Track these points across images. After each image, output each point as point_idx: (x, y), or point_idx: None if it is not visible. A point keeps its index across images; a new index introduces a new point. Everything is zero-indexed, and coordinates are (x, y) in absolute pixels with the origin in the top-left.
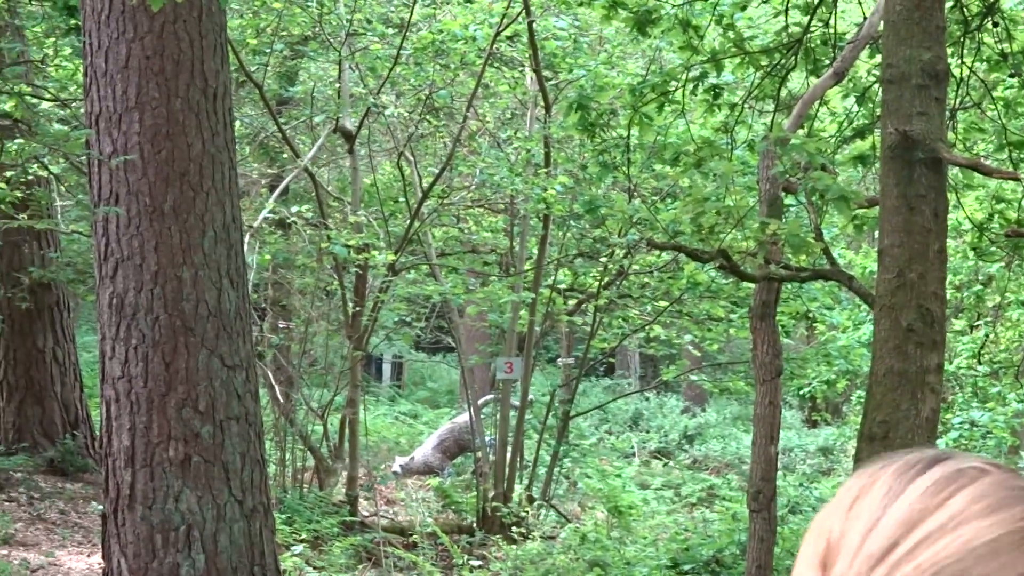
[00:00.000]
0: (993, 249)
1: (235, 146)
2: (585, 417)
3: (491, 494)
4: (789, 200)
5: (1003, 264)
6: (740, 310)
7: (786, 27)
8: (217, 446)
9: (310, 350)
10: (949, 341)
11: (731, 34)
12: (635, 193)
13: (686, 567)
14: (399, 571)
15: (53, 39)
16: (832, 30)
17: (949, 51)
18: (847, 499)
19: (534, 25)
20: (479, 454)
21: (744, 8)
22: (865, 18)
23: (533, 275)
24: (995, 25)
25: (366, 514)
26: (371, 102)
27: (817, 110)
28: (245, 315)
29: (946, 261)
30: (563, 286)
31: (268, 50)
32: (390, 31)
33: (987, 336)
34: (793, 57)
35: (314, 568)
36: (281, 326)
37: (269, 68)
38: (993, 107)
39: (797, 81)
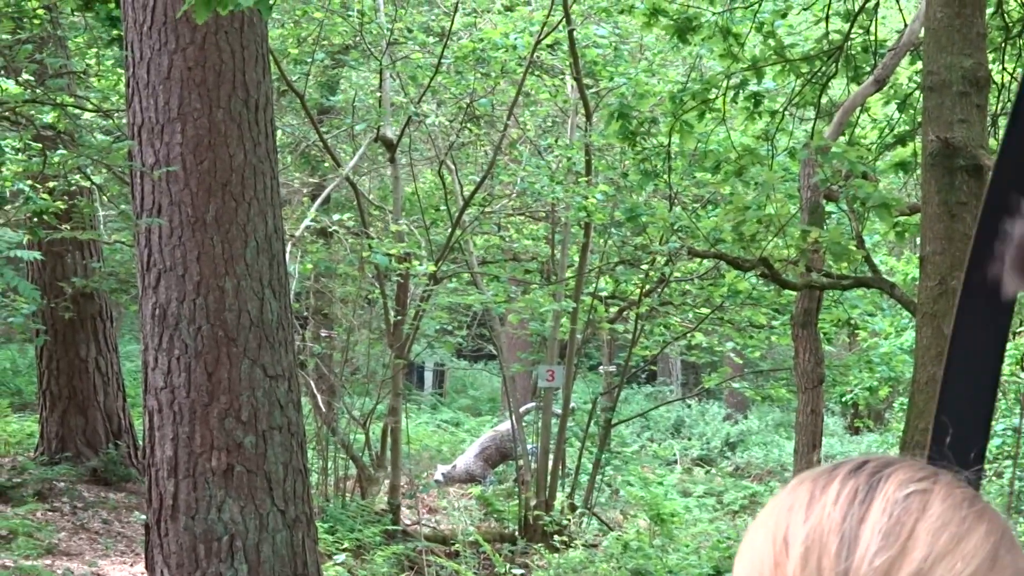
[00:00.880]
0: None
1: (277, 156)
2: (627, 425)
3: (533, 502)
4: (830, 208)
5: None
6: (782, 317)
7: (827, 34)
8: (260, 456)
9: (352, 359)
10: None
11: (772, 41)
12: (676, 201)
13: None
14: None
15: (95, 50)
16: (873, 37)
17: (990, 57)
18: (796, 549)
19: (575, 33)
20: (521, 462)
21: (785, 15)
22: (906, 25)
23: (574, 283)
24: None
25: (408, 523)
26: (412, 111)
27: (858, 117)
28: (287, 325)
29: None
30: (604, 294)
31: (309, 59)
32: (431, 40)
33: None
34: (834, 64)
35: None
36: (323, 335)
37: (310, 77)
38: None
39: (838, 88)
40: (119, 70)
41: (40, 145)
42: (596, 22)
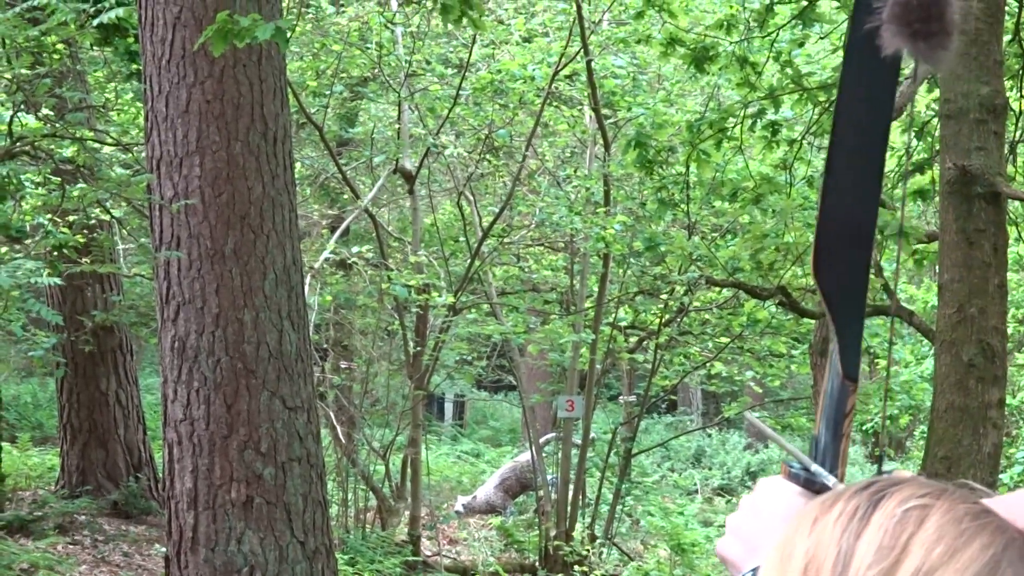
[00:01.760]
0: None
1: (295, 188)
2: (647, 455)
3: (553, 532)
4: None
5: None
6: (801, 346)
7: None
8: (279, 488)
9: (372, 390)
10: (1011, 375)
11: (789, 70)
12: (695, 230)
13: None
14: None
15: (114, 84)
16: None
17: (1007, 84)
18: (798, 564)
19: (592, 64)
20: (541, 492)
21: (802, 44)
22: None
23: (594, 313)
24: None
25: (429, 554)
26: (431, 142)
27: None
28: (306, 356)
29: (1007, 296)
30: (624, 324)
31: (328, 92)
32: (449, 72)
33: None
34: None
35: None
36: (343, 366)
37: (329, 110)
38: None
39: None
40: (138, 104)
41: (59, 179)
42: (614, 53)
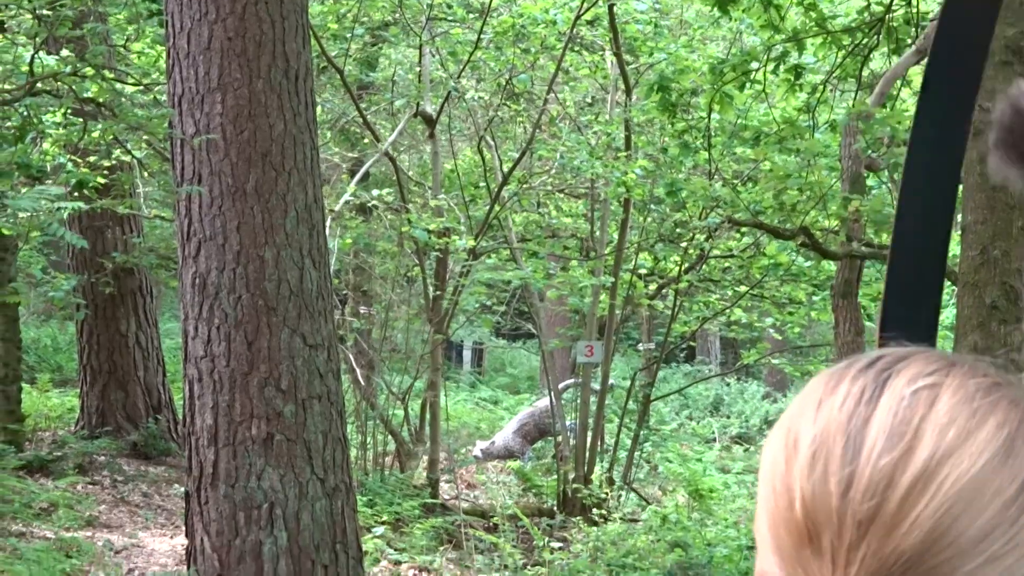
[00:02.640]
0: None
1: (316, 127)
2: (665, 403)
3: (571, 477)
4: (870, 181)
5: None
6: (821, 292)
7: (868, 6)
8: (299, 425)
9: (390, 336)
10: None
11: (813, 13)
12: (716, 176)
13: None
14: (480, 553)
15: (135, 25)
16: (915, 8)
17: None
18: (804, 452)
19: (614, 8)
20: (560, 438)
21: None
22: None
23: (613, 259)
24: None
25: (447, 497)
26: (452, 87)
27: (899, 89)
28: (327, 295)
29: None
30: (643, 271)
31: (349, 35)
32: (470, 16)
33: None
34: (875, 36)
35: (395, 550)
36: (362, 311)
37: (350, 54)
38: None
39: (879, 61)
40: (158, 47)
41: (80, 120)
42: None
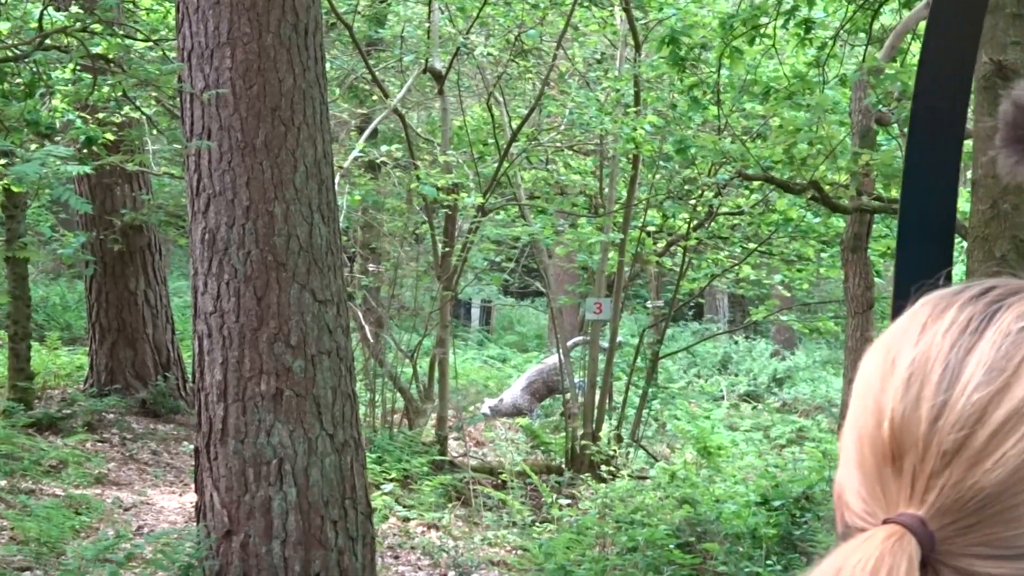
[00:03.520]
0: None
1: (326, 82)
2: (674, 361)
3: (580, 433)
4: (880, 137)
5: None
6: (830, 249)
7: None
8: (308, 380)
9: (399, 294)
10: None
11: None
12: (725, 132)
13: (776, 503)
14: (488, 510)
15: None
16: None
17: None
18: (901, 373)
19: None
20: (568, 395)
21: None
22: None
23: (622, 216)
24: None
25: (456, 454)
26: (461, 43)
27: (910, 43)
28: (336, 250)
29: None
30: (652, 228)
31: None
32: None
33: None
34: None
35: (404, 506)
36: (371, 268)
37: (359, 10)
38: None
39: (890, 15)
40: (167, 3)
41: (89, 76)
42: None
